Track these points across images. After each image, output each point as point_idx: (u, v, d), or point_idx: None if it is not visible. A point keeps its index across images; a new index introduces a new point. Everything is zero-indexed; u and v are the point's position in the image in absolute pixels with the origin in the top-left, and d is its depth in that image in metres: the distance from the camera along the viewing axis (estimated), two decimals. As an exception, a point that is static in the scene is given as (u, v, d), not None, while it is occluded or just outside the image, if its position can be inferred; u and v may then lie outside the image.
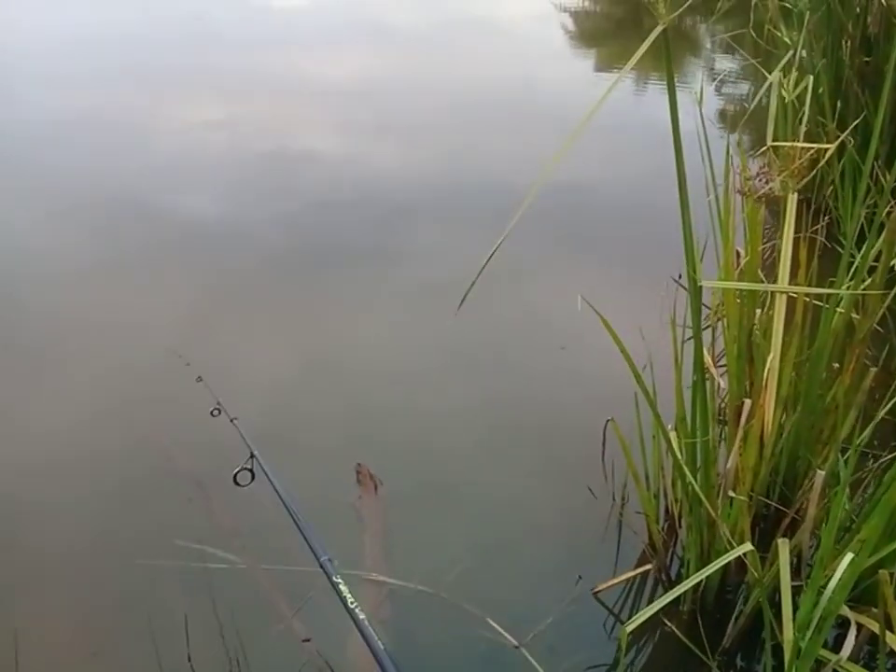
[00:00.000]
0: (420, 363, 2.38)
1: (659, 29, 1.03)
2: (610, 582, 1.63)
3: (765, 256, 2.10)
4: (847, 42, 2.79)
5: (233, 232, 3.15)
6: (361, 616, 0.69)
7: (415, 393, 2.25)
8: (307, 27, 6.67)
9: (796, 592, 1.27)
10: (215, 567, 1.67)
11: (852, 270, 1.57)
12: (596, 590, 1.62)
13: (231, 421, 1.70)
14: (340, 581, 0.71)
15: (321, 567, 0.77)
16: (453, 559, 1.69)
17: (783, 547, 1.24)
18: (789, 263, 1.41)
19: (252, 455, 1.56)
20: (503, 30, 6.63)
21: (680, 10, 1.04)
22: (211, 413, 1.74)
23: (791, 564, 1.27)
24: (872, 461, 1.70)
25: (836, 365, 1.54)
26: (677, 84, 1.12)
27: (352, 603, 0.71)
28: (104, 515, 1.85)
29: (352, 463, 1.94)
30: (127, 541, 1.77)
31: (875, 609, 1.31)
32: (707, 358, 1.41)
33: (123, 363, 2.35)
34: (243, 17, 6.83)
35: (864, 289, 1.48)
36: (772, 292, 1.50)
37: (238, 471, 1.55)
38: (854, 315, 1.54)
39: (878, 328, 1.71)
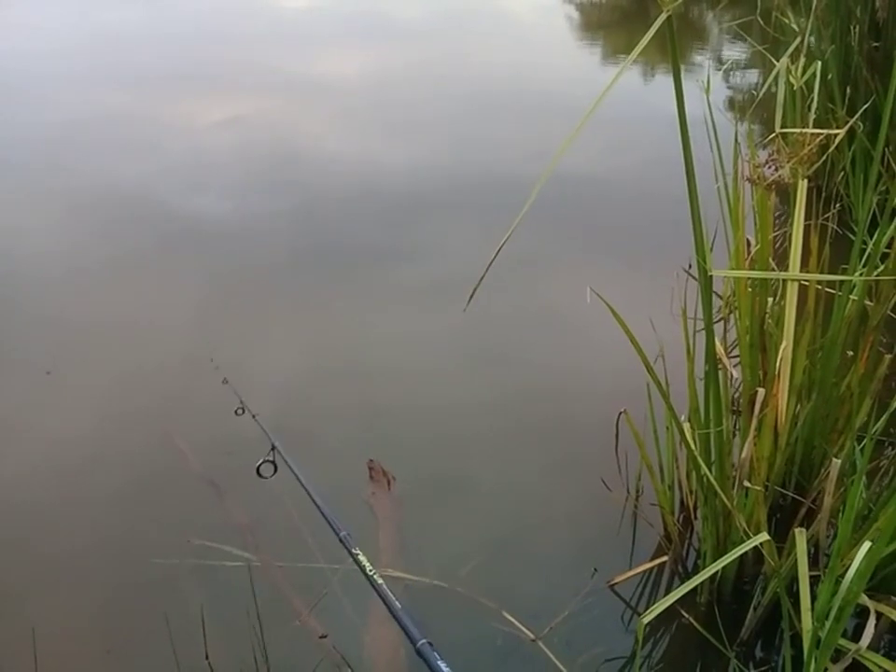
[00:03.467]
0: (431, 357, 2.38)
1: (664, 17, 1.02)
2: (626, 575, 1.62)
3: (776, 244, 2.09)
4: (855, 27, 2.76)
5: (247, 231, 3.17)
6: (380, 581, 0.71)
7: (427, 387, 2.25)
8: (314, 22, 6.67)
9: (814, 581, 1.27)
10: (230, 565, 1.67)
11: (864, 256, 1.55)
12: (612, 582, 1.62)
13: (253, 417, 1.73)
14: (358, 552, 0.74)
15: (340, 541, 0.80)
16: (468, 553, 1.69)
17: (800, 537, 1.23)
18: (800, 251, 1.40)
19: (273, 447, 1.58)
20: (510, 22, 6.61)
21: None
22: (235, 412, 1.79)
23: (809, 553, 1.26)
24: (889, 448, 1.69)
25: (850, 353, 1.53)
26: (684, 72, 1.11)
27: (370, 570, 0.74)
28: (120, 514, 1.86)
29: (365, 458, 1.94)
30: (142, 540, 1.78)
31: (894, 598, 1.30)
32: (720, 349, 1.40)
33: (140, 362, 2.36)
34: (260, 15, 6.85)
35: (877, 276, 1.47)
36: (783, 280, 1.48)
37: (261, 463, 1.59)
38: (867, 302, 1.52)
39: (892, 314, 1.69)
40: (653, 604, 1.26)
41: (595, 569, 1.65)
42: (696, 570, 1.59)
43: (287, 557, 1.69)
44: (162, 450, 2.01)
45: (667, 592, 1.58)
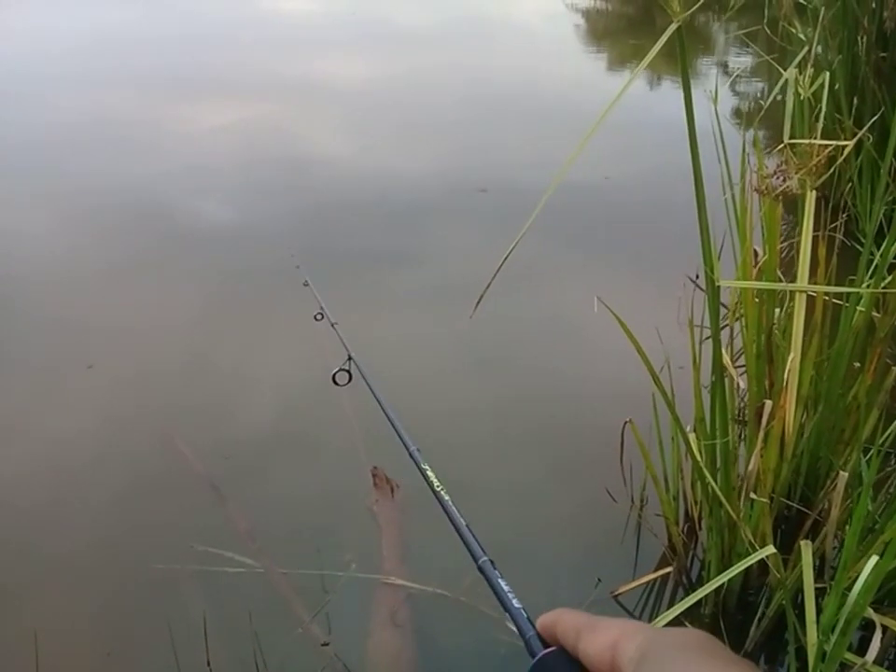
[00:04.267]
0: (436, 363, 2.38)
1: (673, 27, 1.02)
2: (631, 585, 1.62)
3: (783, 254, 2.08)
4: (862, 38, 2.76)
5: (249, 234, 3.17)
6: (446, 498, 0.73)
7: (432, 393, 2.24)
8: (319, 27, 6.69)
9: (820, 594, 1.26)
10: (232, 571, 1.67)
11: (872, 267, 1.55)
12: (616, 593, 1.61)
13: (332, 325, 1.73)
14: (427, 467, 0.76)
15: (410, 455, 0.83)
16: (471, 562, 1.68)
17: (806, 549, 1.23)
18: (808, 262, 1.40)
19: (350, 358, 1.60)
20: (517, 29, 6.63)
21: (695, 7, 1.03)
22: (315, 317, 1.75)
23: (814, 566, 1.25)
24: (895, 461, 1.68)
25: (857, 364, 1.52)
26: (691, 82, 1.11)
27: (438, 486, 0.75)
28: (119, 518, 1.86)
29: (369, 467, 1.94)
30: (144, 544, 1.78)
31: (900, 612, 1.29)
32: (726, 359, 1.39)
33: (140, 368, 2.36)
34: (264, 19, 6.87)
35: (885, 287, 1.46)
36: (791, 291, 1.48)
37: (336, 372, 1.60)
38: (875, 314, 1.52)
39: (900, 326, 1.68)
40: (657, 615, 1.26)
41: (599, 579, 1.64)
42: (701, 581, 1.58)
43: (290, 563, 1.68)
44: (164, 453, 2.01)
45: (671, 603, 1.58)
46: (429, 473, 0.80)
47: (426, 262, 2.92)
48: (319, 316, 1.79)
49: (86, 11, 6.92)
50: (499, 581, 0.61)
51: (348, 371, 1.58)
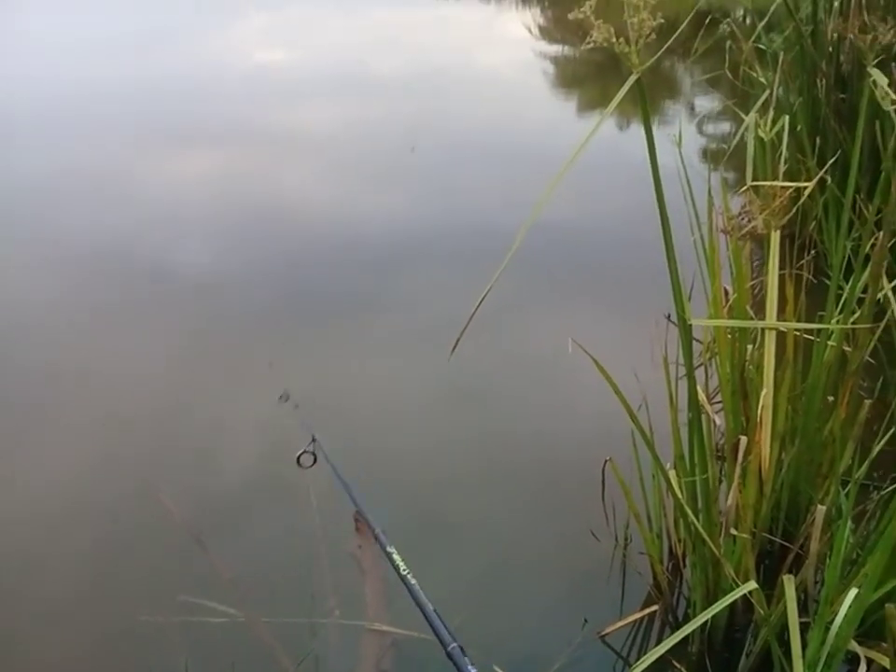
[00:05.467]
0: (415, 405, 2.38)
1: (633, 78, 1.06)
2: (617, 625, 1.61)
3: (756, 290, 2.12)
4: (821, 80, 2.85)
5: (229, 281, 3.18)
6: (413, 581, 0.72)
7: (411, 436, 2.24)
8: (294, 77, 6.80)
9: (805, 628, 1.26)
10: (215, 621, 1.64)
11: (841, 302, 1.58)
12: (603, 633, 1.60)
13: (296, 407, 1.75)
14: (393, 550, 0.75)
15: (375, 538, 0.81)
16: (456, 605, 1.66)
17: (789, 584, 1.23)
18: (776, 299, 1.43)
19: (314, 439, 1.59)
20: (489, 76, 6.77)
21: (652, 60, 1.07)
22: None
23: (799, 600, 1.26)
24: (874, 492, 1.70)
25: (831, 398, 1.55)
26: (657, 124, 1.15)
27: (404, 570, 0.74)
28: (104, 569, 1.83)
29: (352, 509, 1.93)
30: (128, 594, 1.75)
31: (885, 644, 1.30)
32: (702, 396, 1.42)
33: (112, 414, 2.35)
34: (241, 74, 6.97)
35: (854, 322, 1.50)
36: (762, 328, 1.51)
37: (301, 454, 1.60)
38: (846, 348, 1.55)
39: (871, 359, 1.72)
40: (644, 654, 1.25)
41: (586, 620, 1.63)
42: (687, 619, 1.58)
43: (274, 611, 1.66)
44: (146, 503, 1.99)
45: (658, 641, 1.57)
46: (395, 557, 0.80)
47: (398, 310, 2.92)
48: (284, 398, 1.84)
49: (65, 62, 6.99)
50: (469, 668, 0.60)
51: (313, 453, 1.59)
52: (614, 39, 1.02)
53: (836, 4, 2.88)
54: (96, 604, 1.76)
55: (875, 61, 1.66)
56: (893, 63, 2.47)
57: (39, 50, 7.37)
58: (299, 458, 1.62)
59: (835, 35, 2.77)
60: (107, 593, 1.78)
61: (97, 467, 2.17)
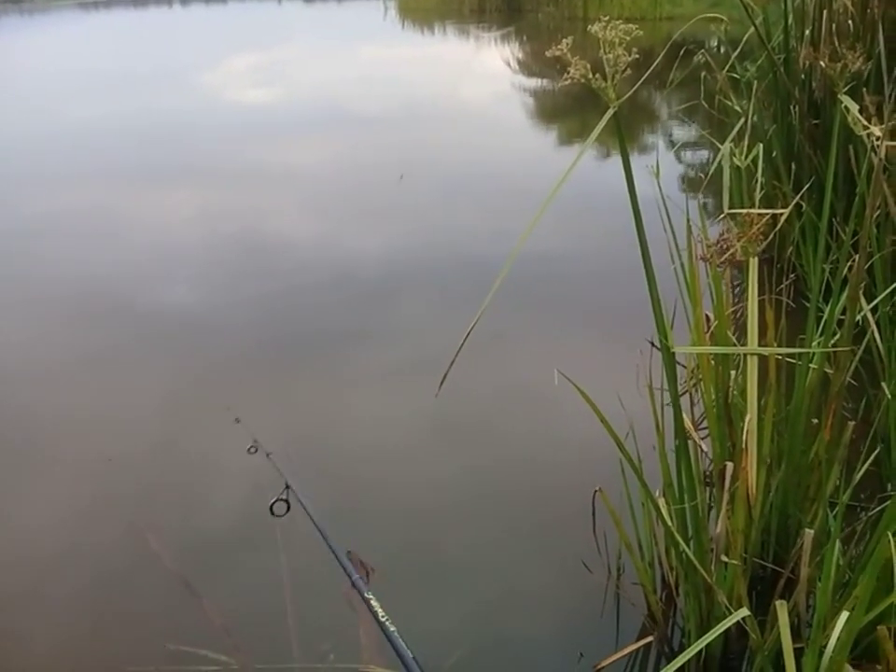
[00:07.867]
0: (404, 441, 2.38)
1: (610, 112, 1.08)
2: (612, 658, 1.60)
3: (738, 315, 2.14)
4: (795, 107, 2.91)
5: (218, 319, 3.19)
6: (392, 629, 0.70)
7: (402, 472, 2.24)
8: (280, 116, 6.86)
9: (799, 653, 1.25)
10: (206, 670, 1.62)
11: (821, 325, 1.60)
12: (599, 666, 1.59)
13: (267, 456, 1.74)
14: (371, 597, 0.73)
15: (353, 585, 0.80)
16: (451, 643, 1.65)
17: (781, 610, 1.23)
18: (756, 324, 1.44)
19: (287, 486, 1.58)
20: (470, 110, 6.87)
21: (629, 94, 1.09)
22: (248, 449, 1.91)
23: (791, 625, 1.25)
24: (861, 514, 1.71)
25: (815, 420, 1.55)
26: (636, 155, 1.17)
27: (383, 616, 0.73)
28: (92, 617, 1.80)
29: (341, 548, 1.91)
30: (115, 643, 1.72)
31: (879, 667, 1.29)
32: (688, 422, 1.42)
33: (103, 454, 2.33)
34: (227, 112, 7.03)
35: (834, 343, 1.51)
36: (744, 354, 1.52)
37: (274, 502, 1.58)
38: (828, 370, 1.56)
39: (853, 381, 1.73)
40: (641, 687, 1.24)
41: (582, 654, 1.62)
42: (683, 648, 1.56)
43: (266, 657, 1.63)
44: (134, 547, 1.96)
45: (655, 672, 1.56)
46: (374, 604, 0.79)
47: (383, 346, 2.93)
48: (253, 450, 1.83)
49: (55, 107, 7.04)
50: None
51: (286, 501, 1.57)
52: (591, 76, 1.04)
53: (807, 32, 2.95)
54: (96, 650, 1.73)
55: (846, 87, 1.70)
56: (864, 90, 2.53)
57: (19, 92, 7.42)
58: (272, 507, 1.60)
59: (807, 62, 2.83)
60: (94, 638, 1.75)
61: (78, 512, 2.14)
